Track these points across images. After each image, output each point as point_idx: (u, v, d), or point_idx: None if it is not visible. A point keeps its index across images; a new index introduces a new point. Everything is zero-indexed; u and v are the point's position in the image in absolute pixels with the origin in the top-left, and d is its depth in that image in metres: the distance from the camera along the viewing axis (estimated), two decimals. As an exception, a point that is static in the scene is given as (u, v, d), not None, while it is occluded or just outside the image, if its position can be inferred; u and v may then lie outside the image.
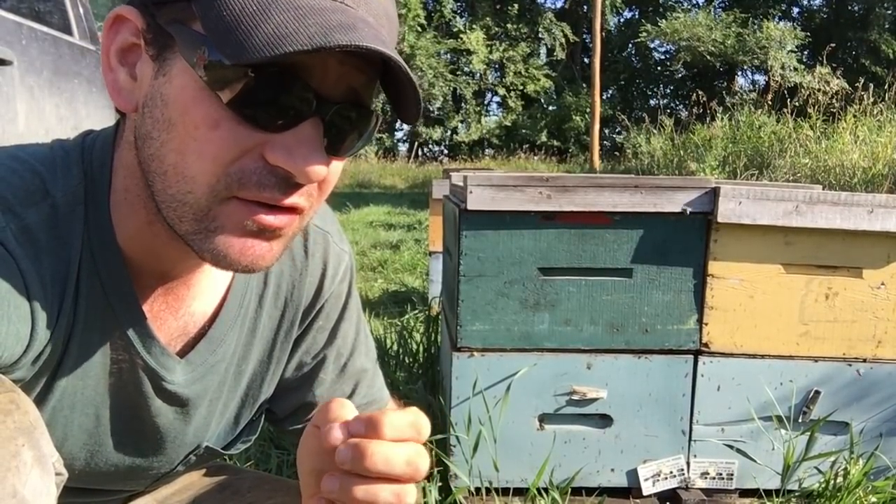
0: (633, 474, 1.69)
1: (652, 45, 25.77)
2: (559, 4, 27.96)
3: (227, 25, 0.56)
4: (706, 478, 1.70)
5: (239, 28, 0.55)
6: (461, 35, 24.37)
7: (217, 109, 0.58)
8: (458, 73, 25.04)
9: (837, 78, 9.39)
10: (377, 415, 0.59)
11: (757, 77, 24.49)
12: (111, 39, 0.64)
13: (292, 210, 0.63)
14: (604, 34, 21.77)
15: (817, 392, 1.66)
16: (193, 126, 0.59)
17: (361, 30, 0.57)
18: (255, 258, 0.63)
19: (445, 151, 26.62)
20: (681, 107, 24.82)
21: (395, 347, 2.60)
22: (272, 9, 0.56)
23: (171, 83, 0.60)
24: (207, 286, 0.77)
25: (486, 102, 27.48)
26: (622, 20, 28.14)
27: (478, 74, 25.55)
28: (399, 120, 0.66)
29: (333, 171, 0.65)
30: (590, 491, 1.70)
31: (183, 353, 0.76)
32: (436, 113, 25.05)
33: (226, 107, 0.58)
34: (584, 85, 23.80)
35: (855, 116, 7.92)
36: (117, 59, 0.64)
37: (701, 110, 10.03)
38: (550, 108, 25.68)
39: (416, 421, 0.60)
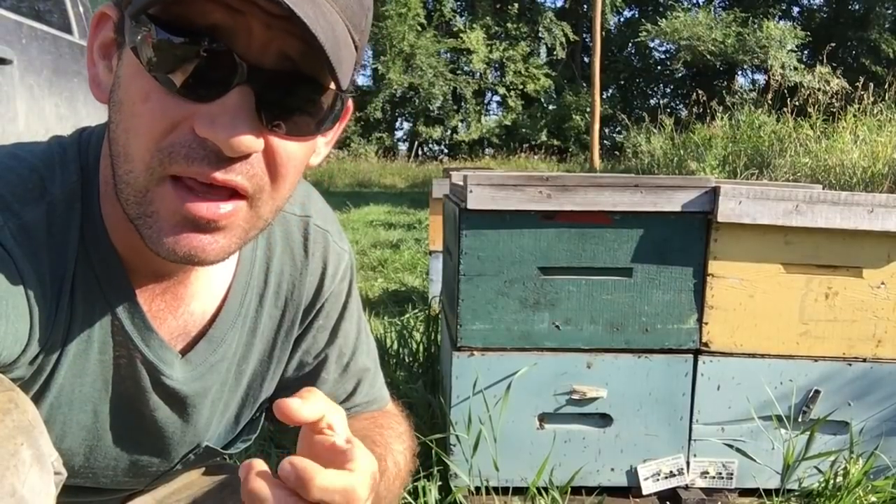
0: (633, 473, 1.69)
1: (652, 45, 25.78)
2: (559, 4, 28.00)
3: None
4: (706, 477, 1.70)
5: None
6: (461, 34, 24.35)
7: (147, 81, 0.58)
8: (458, 72, 25.03)
9: (837, 77, 9.41)
10: (308, 472, 0.53)
11: (757, 76, 24.48)
12: (95, 36, 0.66)
13: (233, 194, 0.60)
14: (604, 33, 21.76)
15: (817, 391, 1.66)
16: (131, 102, 0.59)
17: None
18: (193, 249, 0.60)
19: (445, 151, 26.61)
20: (681, 106, 24.82)
21: (395, 347, 2.60)
22: None
23: (122, 66, 0.61)
24: (206, 286, 0.77)
25: (486, 102, 27.47)
26: (622, 19, 28.14)
27: (478, 74, 25.54)
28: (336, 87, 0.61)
29: (284, 152, 0.61)
30: (590, 490, 1.70)
31: (184, 353, 0.76)
32: (436, 112, 25.04)
33: (153, 78, 0.57)
34: (585, 84, 23.80)
35: (855, 116, 7.92)
36: (99, 54, 0.66)
37: (701, 110, 10.03)
38: (550, 107, 25.67)
39: (349, 488, 0.54)
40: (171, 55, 0.56)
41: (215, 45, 0.57)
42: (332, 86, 0.61)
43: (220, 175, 0.58)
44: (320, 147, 0.71)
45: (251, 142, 0.58)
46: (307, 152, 0.66)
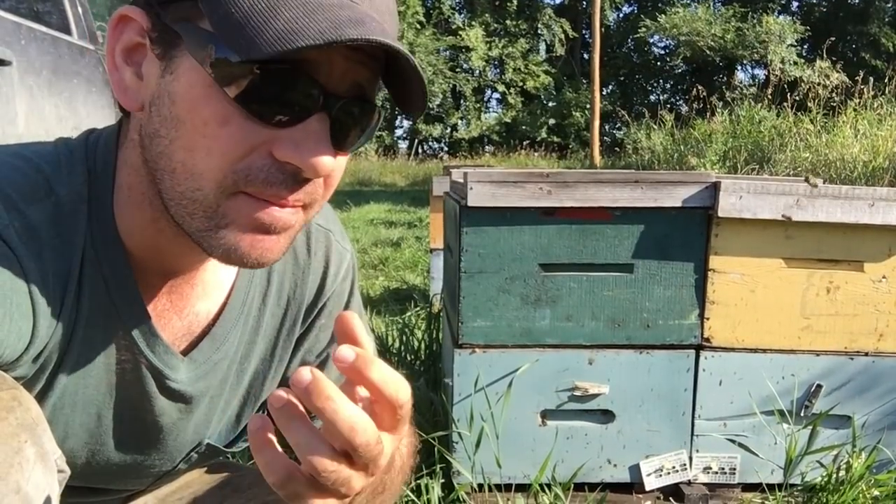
0: (635, 469, 1.69)
1: (651, 41, 25.78)
2: (558, 0, 27.94)
3: (236, 22, 0.56)
4: (708, 472, 1.70)
5: (249, 25, 0.56)
6: (460, 32, 24.36)
7: (226, 106, 0.59)
8: (458, 69, 25.03)
9: (837, 72, 9.39)
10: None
11: (757, 71, 24.48)
12: (116, 39, 0.64)
13: (300, 205, 0.64)
14: (603, 30, 21.74)
15: (819, 386, 1.66)
16: (202, 123, 0.59)
17: (369, 24, 0.57)
18: (264, 252, 0.64)
19: (445, 148, 26.63)
20: (681, 102, 24.80)
21: (396, 345, 2.60)
22: (281, 6, 0.56)
23: (178, 81, 0.60)
24: (211, 285, 0.78)
25: (485, 99, 27.48)
26: (621, 15, 28.12)
27: (477, 71, 25.53)
28: (403, 113, 0.66)
29: (338, 166, 0.65)
30: (592, 486, 1.70)
31: (186, 352, 0.76)
32: (435, 110, 25.03)
33: (235, 103, 0.58)
34: (584, 81, 23.80)
35: (855, 110, 7.91)
36: (122, 59, 0.64)
37: (701, 105, 10.02)
38: (550, 104, 25.67)
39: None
40: (258, 83, 0.58)
41: (302, 76, 0.59)
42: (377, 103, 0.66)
43: (292, 197, 0.62)
44: None
45: (332, 164, 0.61)
46: None
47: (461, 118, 25.76)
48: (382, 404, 0.55)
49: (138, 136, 0.65)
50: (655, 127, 10.46)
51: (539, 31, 25.61)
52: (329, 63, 0.60)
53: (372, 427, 0.54)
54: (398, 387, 0.55)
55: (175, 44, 0.60)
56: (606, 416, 1.68)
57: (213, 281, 0.78)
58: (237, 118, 0.59)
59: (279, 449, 0.56)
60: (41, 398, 0.68)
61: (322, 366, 0.89)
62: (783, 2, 26.33)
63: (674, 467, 1.69)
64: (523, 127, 24.63)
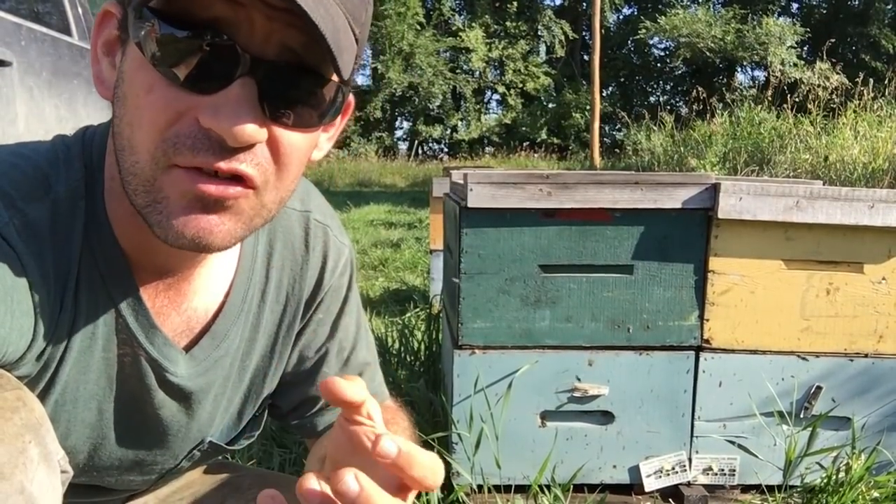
0: (635, 471, 1.69)
1: (651, 42, 25.79)
2: (558, 2, 27.97)
3: None
4: (708, 474, 1.70)
5: None
6: (460, 33, 24.36)
7: (150, 74, 0.59)
8: (458, 71, 25.03)
9: (837, 73, 9.40)
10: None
11: (757, 73, 24.47)
12: (99, 34, 0.66)
13: (240, 181, 0.61)
14: (603, 31, 21.74)
15: (819, 387, 1.66)
16: (135, 95, 0.60)
17: None
18: (201, 231, 0.61)
19: (445, 149, 26.62)
20: (681, 103, 24.80)
21: (396, 346, 2.60)
22: None
23: (126, 60, 0.62)
24: (209, 282, 0.78)
25: (485, 100, 27.47)
26: (621, 17, 28.13)
27: (477, 72, 25.54)
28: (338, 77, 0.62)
29: (288, 143, 0.62)
30: (592, 487, 1.70)
31: (187, 349, 0.76)
32: (435, 111, 25.05)
33: (156, 70, 0.58)
34: (584, 82, 23.80)
35: (855, 112, 7.91)
36: (103, 52, 0.66)
37: (701, 107, 10.03)
38: (550, 105, 25.67)
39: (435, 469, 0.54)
40: (173, 48, 0.57)
41: (217, 37, 0.57)
42: (334, 77, 0.62)
43: (224, 164, 0.59)
44: (322, 142, 0.72)
45: (254, 131, 0.58)
46: (310, 144, 0.66)
47: (461, 119, 25.76)
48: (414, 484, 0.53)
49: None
50: (655, 128, 10.47)
51: (539, 33, 25.61)
52: (249, 24, 0.58)
53: None
54: (436, 477, 0.52)
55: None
56: (606, 417, 1.68)
57: (212, 278, 0.78)
58: (160, 85, 0.58)
59: None
60: (43, 395, 0.68)
61: (321, 361, 0.89)
62: (783, 3, 26.34)
63: (673, 468, 1.69)
64: (523, 128, 24.63)
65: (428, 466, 0.52)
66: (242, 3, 0.57)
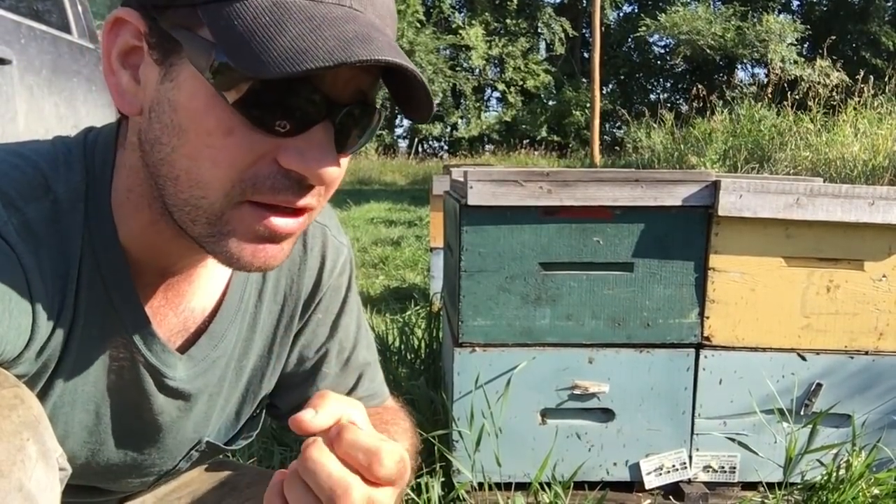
0: (635, 468, 1.69)
1: (651, 40, 25.77)
2: (558, -1, 27.90)
3: (240, 36, 0.55)
4: (708, 471, 1.70)
5: (254, 40, 0.54)
6: (460, 31, 24.35)
7: (230, 116, 0.58)
8: (458, 68, 25.03)
9: (837, 70, 9.39)
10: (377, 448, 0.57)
11: (757, 70, 24.48)
12: (112, 42, 0.63)
13: (302, 210, 0.64)
14: (603, 29, 21.73)
15: (819, 385, 1.66)
16: (206, 133, 0.59)
17: (377, 40, 0.57)
18: (267, 259, 0.64)
19: (445, 147, 26.63)
20: (681, 101, 24.79)
21: (396, 344, 2.60)
22: (286, 20, 0.55)
23: (179, 89, 0.59)
24: (207, 281, 0.78)
25: (485, 98, 27.48)
26: (621, 14, 28.10)
27: (477, 70, 25.53)
28: (408, 118, 0.67)
29: (342, 169, 0.66)
30: (592, 485, 1.70)
31: (183, 349, 0.76)
32: (436, 109, 24.94)
33: (238, 113, 0.58)
34: (584, 80, 23.80)
35: (855, 109, 7.91)
36: (119, 62, 0.63)
37: (701, 104, 10.02)
38: (550, 103, 25.67)
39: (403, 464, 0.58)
40: (263, 96, 0.57)
41: (308, 87, 0.59)
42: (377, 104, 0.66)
43: (301, 202, 0.63)
44: None
45: (337, 172, 0.62)
46: None
47: (461, 117, 25.75)
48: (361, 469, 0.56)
49: (138, 139, 0.64)
50: (655, 126, 10.46)
51: (539, 30, 25.60)
52: (334, 74, 0.60)
53: (357, 490, 0.55)
54: (370, 459, 0.56)
55: (174, 50, 0.59)
56: (606, 414, 1.68)
57: (209, 278, 0.78)
58: (242, 128, 0.58)
59: None
60: (41, 397, 0.68)
61: (321, 362, 0.89)
62: (783, 1, 26.32)
63: (674, 466, 1.69)
64: (523, 126, 24.62)
65: (361, 444, 0.56)
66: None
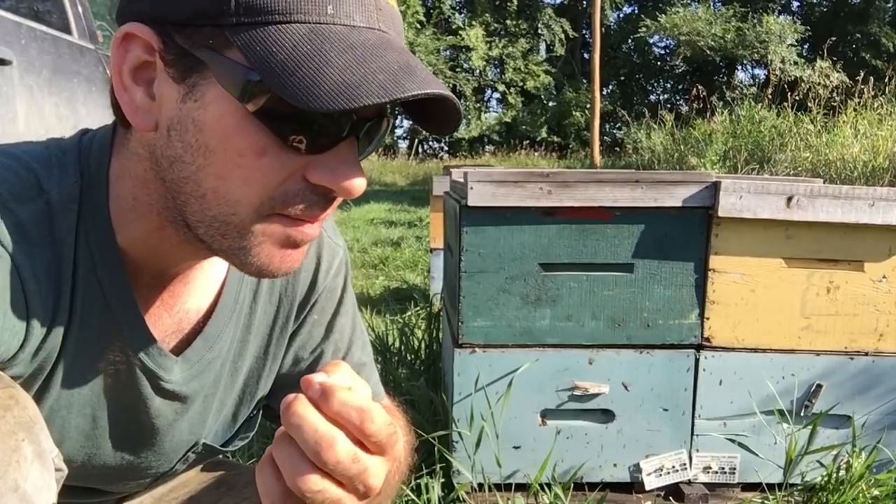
0: (635, 469, 1.69)
1: (651, 41, 25.78)
2: (558, 0, 27.92)
3: (282, 65, 0.54)
4: (708, 472, 1.70)
5: (299, 72, 0.54)
6: (460, 32, 24.36)
7: (263, 138, 0.59)
8: (458, 69, 25.03)
9: (838, 71, 9.40)
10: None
11: (757, 71, 24.49)
12: (122, 58, 0.61)
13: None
14: (603, 29, 21.75)
15: (819, 386, 1.66)
16: (237, 154, 0.59)
17: (417, 69, 0.58)
18: (293, 264, 0.67)
19: (445, 148, 26.64)
20: (681, 102, 24.80)
21: (396, 344, 2.60)
22: (329, 50, 0.55)
23: (206, 110, 0.58)
24: (202, 282, 0.78)
25: (485, 99, 27.48)
26: (621, 15, 28.11)
27: (477, 71, 25.53)
28: (429, 132, 0.68)
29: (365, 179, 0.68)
30: (592, 486, 1.70)
31: (178, 351, 0.76)
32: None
33: (272, 135, 0.58)
34: (584, 80, 23.80)
35: (855, 110, 7.91)
36: (131, 78, 0.62)
37: (701, 105, 10.03)
38: (550, 103, 25.67)
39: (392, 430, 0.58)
40: (295, 117, 0.58)
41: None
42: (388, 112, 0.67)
43: (326, 212, 0.65)
44: None
45: (364, 184, 0.64)
46: None
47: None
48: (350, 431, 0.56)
49: (147, 152, 0.64)
50: (655, 127, 10.47)
51: (539, 31, 25.60)
52: None
53: (342, 445, 0.54)
54: (362, 417, 0.55)
55: (195, 69, 0.58)
56: (606, 415, 1.68)
57: (204, 279, 0.78)
58: (274, 149, 0.59)
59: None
60: (37, 400, 0.68)
61: (316, 363, 0.89)
62: (783, 1, 26.32)
63: (674, 467, 1.69)
64: (523, 127, 24.63)
65: (350, 404, 0.55)
66: None
